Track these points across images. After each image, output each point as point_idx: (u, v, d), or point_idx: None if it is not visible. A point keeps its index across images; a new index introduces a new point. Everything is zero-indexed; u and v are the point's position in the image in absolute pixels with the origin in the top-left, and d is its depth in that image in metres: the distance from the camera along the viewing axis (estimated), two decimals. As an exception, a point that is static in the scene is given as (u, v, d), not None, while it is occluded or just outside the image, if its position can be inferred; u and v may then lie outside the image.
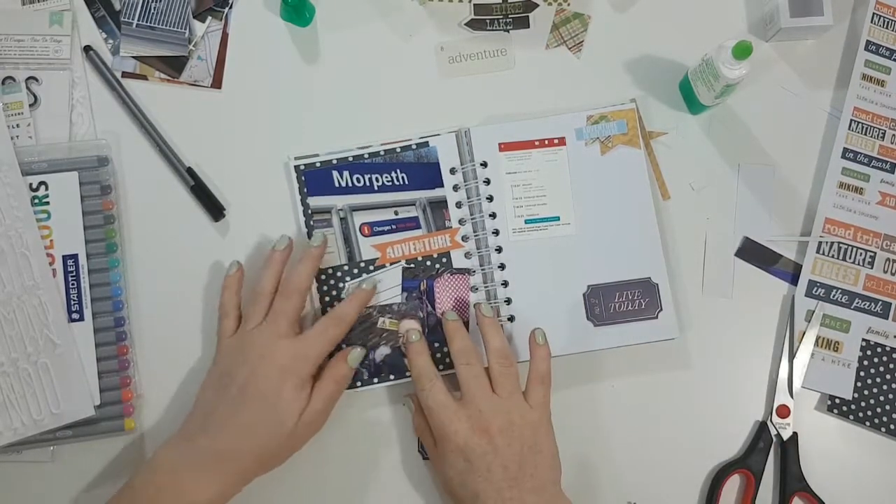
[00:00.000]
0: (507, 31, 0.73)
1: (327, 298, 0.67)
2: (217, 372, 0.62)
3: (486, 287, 0.67)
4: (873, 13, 0.73)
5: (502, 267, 0.67)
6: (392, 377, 0.66)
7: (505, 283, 0.67)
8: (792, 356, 0.68)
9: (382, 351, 0.66)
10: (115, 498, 0.57)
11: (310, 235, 0.67)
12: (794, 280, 0.69)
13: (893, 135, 0.72)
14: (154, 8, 0.71)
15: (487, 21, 0.73)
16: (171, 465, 0.57)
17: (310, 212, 0.68)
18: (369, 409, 0.67)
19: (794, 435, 0.66)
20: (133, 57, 0.70)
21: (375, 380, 0.66)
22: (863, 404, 0.67)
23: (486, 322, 0.64)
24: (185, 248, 0.68)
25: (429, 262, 0.67)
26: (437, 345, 0.66)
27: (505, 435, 0.58)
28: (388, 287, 0.67)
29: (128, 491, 0.57)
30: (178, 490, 0.56)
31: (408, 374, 0.65)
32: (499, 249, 0.67)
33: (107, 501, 0.57)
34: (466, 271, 0.67)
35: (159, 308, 0.67)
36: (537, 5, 0.73)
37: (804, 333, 0.68)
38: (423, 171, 0.68)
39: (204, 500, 0.56)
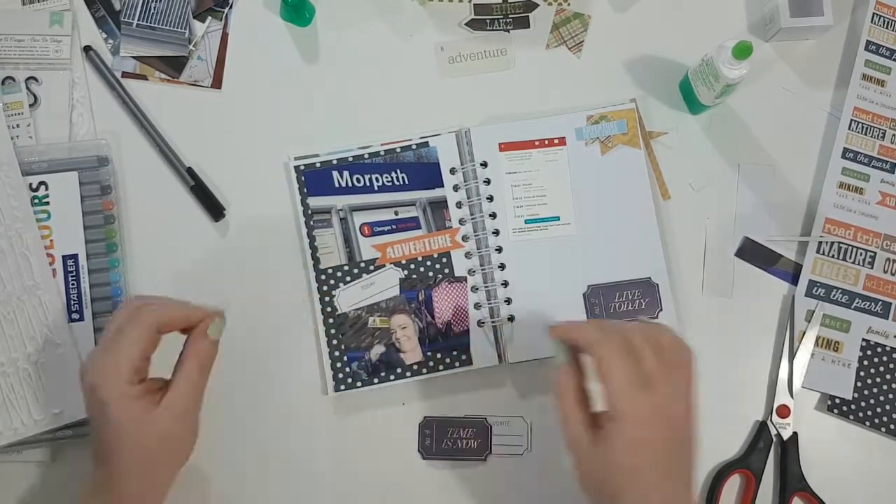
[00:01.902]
0: (507, 31, 0.73)
1: (327, 298, 0.67)
2: None
3: (486, 287, 0.67)
4: (873, 13, 0.73)
5: (502, 267, 0.67)
6: (392, 378, 0.66)
7: (505, 283, 0.67)
8: (792, 356, 0.68)
9: (377, 350, 0.66)
10: None
11: (310, 236, 0.67)
12: (794, 280, 0.69)
13: (893, 135, 0.72)
14: (154, 8, 0.71)
15: (487, 21, 0.73)
16: None
17: (310, 212, 0.68)
18: (369, 409, 0.67)
19: (794, 435, 0.66)
20: (133, 57, 0.70)
21: (375, 380, 0.66)
22: (863, 404, 0.67)
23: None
24: (185, 248, 0.68)
25: (429, 262, 0.67)
26: (430, 353, 0.66)
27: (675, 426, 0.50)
28: (383, 289, 0.67)
29: None
30: None
31: (407, 374, 0.65)
32: (499, 249, 0.67)
33: None
34: (464, 279, 0.67)
35: (159, 308, 0.67)
36: (537, 5, 0.73)
37: (804, 333, 0.68)
38: (423, 171, 0.68)
39: None
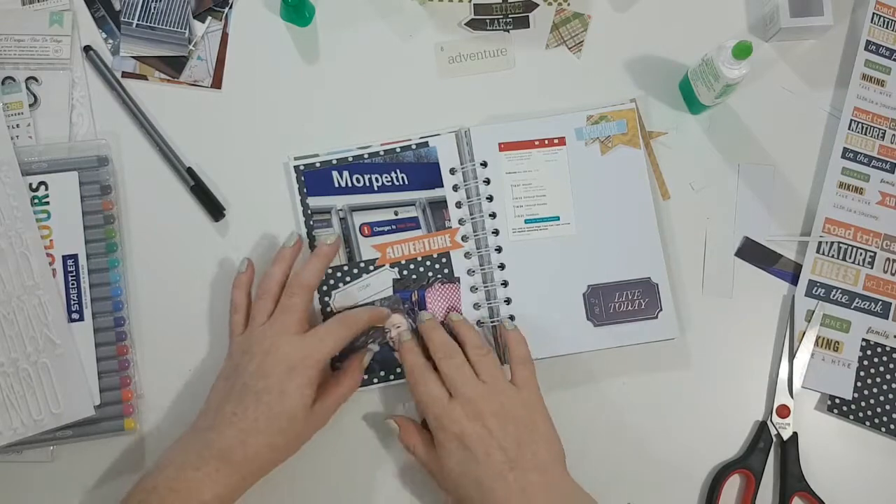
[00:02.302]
0: (507, 31, 0.73)
1: (326, 298, 0.67)
2: (226, 369, 0.62)
3: (485, 287, 0.67)
4: (873, 13, 0.73)
5: (502, 267, 0.67)
6: (392, 378, 0.66)
7: (505, 283, 0.67)
8: (792, 356, 0.68)
9: (372, 350, 0.66)
10: (127, 497, 0.56)
11: (310, 236, 0.67)
12: (794, 280, 0.69)
13: (893, 135, 0.72)
14: (154, 8, 0.71)
15: (487, 21, 0.73)
16: (180, 461, 0.57)
17: (310, 212, 0.68)
18: (367, 409, 0.67)
19: (794, 435, 0.66)
20: (133, 57, 0.70)
21: (375, 379, 0.66)
22: (863, 404, 0.67)
23: (456, 323, 0.65)
24: (185, 248, 0.68)
25: (428, 263, 0.67)
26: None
27: (498, 417, 0.59)
28: (377, 291, 0.67)
29: (140, 490, 0.56)
30: (188, 487, 0.56)
31: (399, 369, 0.65)
32: (499, 249, 0.67)
33: (120, 501, 0.56)
34: (458, 280, 0.67)
35: (159, 308, 0.67)
36: (537, 5, 0.73)
37: (804, 333, 0.68)
38: (423, 171, 0.68)
39: (212, 496, 0.56)
